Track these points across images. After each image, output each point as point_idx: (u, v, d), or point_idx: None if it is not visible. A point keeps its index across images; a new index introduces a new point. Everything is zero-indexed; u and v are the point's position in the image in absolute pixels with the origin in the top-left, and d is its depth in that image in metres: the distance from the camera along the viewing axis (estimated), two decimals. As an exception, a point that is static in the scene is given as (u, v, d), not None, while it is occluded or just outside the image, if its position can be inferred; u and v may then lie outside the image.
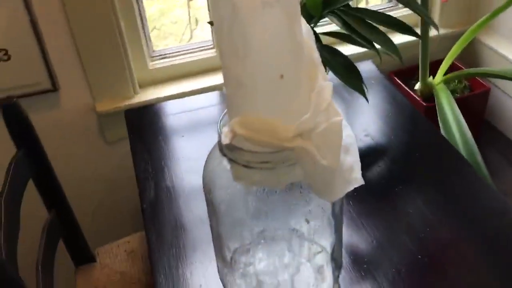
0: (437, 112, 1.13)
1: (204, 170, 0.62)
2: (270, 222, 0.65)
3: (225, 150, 0.56)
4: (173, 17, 1.95)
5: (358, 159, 0.61)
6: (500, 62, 1.34)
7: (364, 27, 0.95)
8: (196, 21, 1.96)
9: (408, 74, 1.35)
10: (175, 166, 0.97)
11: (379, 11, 0.97)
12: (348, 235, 0.81)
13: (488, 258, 0.77)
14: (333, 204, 0.62)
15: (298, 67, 0.54)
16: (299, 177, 0.56)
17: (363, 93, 0.93)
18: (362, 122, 1.06)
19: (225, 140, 0.55)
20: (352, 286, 0.74)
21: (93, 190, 1.39)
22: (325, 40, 0.97)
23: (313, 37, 0.59)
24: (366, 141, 1.01)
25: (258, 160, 0.54)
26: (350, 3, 0.98)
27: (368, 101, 0.93)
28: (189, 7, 1.96)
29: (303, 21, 0.56)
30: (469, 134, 1.05)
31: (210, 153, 0.63)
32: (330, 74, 0.96)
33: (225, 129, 0.56)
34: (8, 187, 0.86)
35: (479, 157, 1.00)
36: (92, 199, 1.40)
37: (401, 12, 1.45)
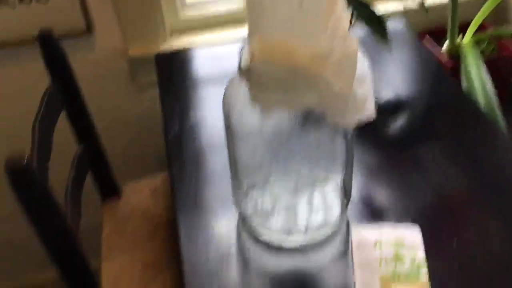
0: (461, 70, 1.13)
1: (224, 95, 0.65)
2: (283, 149, 0.68)
3: (244, 73, 0.59)
4: None
5: (372, 92, 0.63)
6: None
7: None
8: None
9: (437, 34, 1.35)
10: (201, 108, 1.01)
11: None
12: (364, 182, 0.83)
13: (504, 209, 0.78)
14: (345, 134, 0.64)
15: (318, -5, 0.56)
16: (313, 101, 0.59)
17: (385, 39, 0.94)
18: (385, 75, 1.07)
19: (244, 64, 0.58)
20: (361, 222, 0.76)
21: (121, 133, 1.44)
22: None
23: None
24: (388, 93, 1.02)
25: (274, 81, 0.57)
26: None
27: (390, 50, 0.95)
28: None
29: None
30: (491, 91, 1.06)
31: (231, 80, 0.66)
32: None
33: (245, 53, 0.59)
34: (42, 115, 0.91)
35: (497, 111, 1.01)
36: (120, 142, 1.45)
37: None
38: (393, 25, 1.19)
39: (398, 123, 0.96)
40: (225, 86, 0.66)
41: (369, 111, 0.62)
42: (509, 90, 1.33)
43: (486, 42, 1.32)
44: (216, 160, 0.87)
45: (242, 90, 0.62)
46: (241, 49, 0.61)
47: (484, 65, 1.13)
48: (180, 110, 1.00)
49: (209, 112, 0.99)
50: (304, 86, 0.57)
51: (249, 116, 0.63)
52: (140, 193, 1.23)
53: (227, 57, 1.18)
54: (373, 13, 0.99)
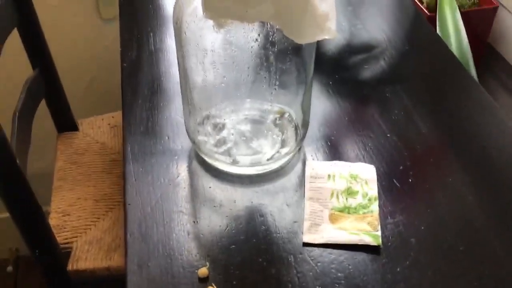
0: (437, 20, 1.09)
1: (175, 1, 0.60)
2: (238, 70, 0.64)
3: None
4: None
5: (334, 9, 0.59)
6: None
7: None
8: None
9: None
10: (163, 32, 0.96)
11: None
12: (325, 120, 0.78)
13: (467, 155, 0.75)
14: (303, 51, 0.60)
15: None
16: (268, 14, 0.55)
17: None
18: (361, 15, 1.02)
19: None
20: (317, 155, 0.73)
21: (85, 67, 1.38)
22: None
23: None
24: (361, 33, 0.98)
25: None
26: None
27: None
28: None
29: None
30: (465, 40, 1.02)
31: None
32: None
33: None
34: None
35: (471, 62, 0.98)
36: (84, 76, 1.39)
37: None
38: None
39: (368, 64, 0.92)
40: None
41: (330, 31, 0.58)
42: (484, 48, 1.30)
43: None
44: (173, 87, 0.83)
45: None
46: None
47: (459, 15, 1.09)
48: (139, 33, 0.95)
49: (171, 37, 0.94)
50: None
51: (202, 29, 0.58)
52: (99, 128, 1.18)
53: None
54: None
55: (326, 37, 0.57)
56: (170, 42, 0.93)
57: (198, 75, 0.63)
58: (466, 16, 1.18)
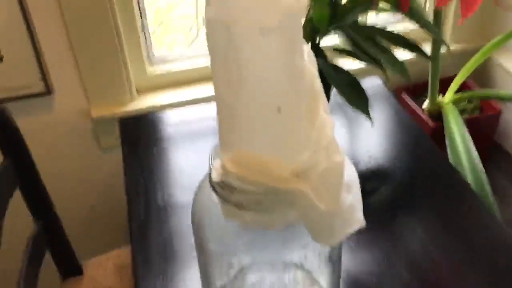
0: (446, 136, 1.08)
1: (193, 204, 0.57)
2: (261, 260, 0.60)
3: (216, 186, 0.52)
4: (183, 11, 1.91)
5: (360, 197, 0.56)
6: (512, 82, 1.29)
7: (372, 45, 0.90)
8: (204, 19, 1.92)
9: (416, 90, 1.30)
10: (169, 182, 0.93)
11: (388, 29, 0.92)
12: (345, 266, 0.76)
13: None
14: (331, 248, 0.57)
15: (298, 98, 0.49)
16: (295, 220, 0.51)
17: (368, 115, 0.88)
18: (365, 142, 1.01)
19: (215, 177, 0.50)
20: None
21: (85, 197, 1.34)
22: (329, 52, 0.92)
23: (314, 62, 0.54)
24: (369, 163, 0.96)
25: (251, 201, 0.50)
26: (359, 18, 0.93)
27: (372, 124, 0.88)
28: (197, 3, 1.91)
29: (304, 43, 0.52)
30: (477, 160, 1.00)
31: (201, 184, 0.58)
32: (334, 91, 0.91)
33: (216, 163, 0.51)
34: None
35: (487, 187, 0.95)
36: (83, 207, 1.35)
37: (410, 25, 1.40)
38: (368, 83, 1.13)
39: (377, 195, 0.90)
40: (200, 177, 0.57)
41: (358, 222, 0.55)
42: (491, 148, 1.29)
43: (467, 99, 1.28)
44: (186, 250, 0.79)
45: (213, 200, 0.54)
46: (212, 155, 0.53)
47: (467, 130, 1.08)
48: (145, 185, 0.92)
49: (179, 187, 0.91)
50: (283, 205, 0.50)
51: (223, 229, 0.55)
52: (104, 269, 1.13)
53: (197, 119, 1.10)
54: (352, 78, 0.93)
55: (354, 230, 0.54)
56: (178, 195, 0.89)
57: (221, 270, 0.59)
58: (472, 122, 1.17)
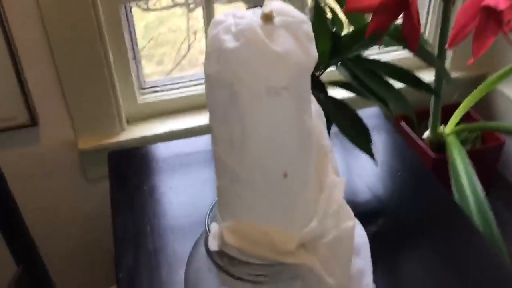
0: (449, 169, 1.04)
1: (187, 267, 0.52)
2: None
3: (213, 254, 0.46)
4: (173, 25, 1.87)
5: (370, 261, 0.52)
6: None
7: (375, 80, 0.86)
8: (195, 33, 1.88)
9: (416, 118, 1.26)
10: (161, 225, 0.87)
11: (391, 63, 0.88)
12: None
13: None
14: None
15: (306, 162, 0.44)
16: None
17: (371, 155, 0.84)
18: (366, 177, 0.96)
19: (213, 246, 0.45)
20: None
21: (70, 230, 1.28)
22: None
23: (323, 118, 0.50)
24: (370, 199, 0.91)
25: (252, 273, 0.44)
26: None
27: (377, 164, 0.84)
28: (188, 18, 1.87)
29: (312, 99, 0.47)
30: (483, 196, 0.96)
31: (196, 244, 0.53)
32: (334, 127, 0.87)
33: (214, 229, 0.46)
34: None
35: (494, 226, 0.91)
36: (69, 240, 1.29)
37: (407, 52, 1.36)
38: (368, 113, 1.09)
39: (379, 233, 0.85)
40: (188, 255, 0.52)
41: (367, 287, 0.50)
42: (494, 178, 1.25)
43: (469, 130, 1.24)
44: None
45: (210, 264, 0.49)
46: (209, 219, 0.48)
47: (469, 162, 1.04)
48: (135, 228, 0.86)
49: (170, 231, 0.86)
50: (288, 276, 0.45)
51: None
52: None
53: (190, 152, 1.05)
54: (354, 114, 0.89)
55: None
56: (170, 240, 0.84)
57: None
58: (475, 154, 1.13)
